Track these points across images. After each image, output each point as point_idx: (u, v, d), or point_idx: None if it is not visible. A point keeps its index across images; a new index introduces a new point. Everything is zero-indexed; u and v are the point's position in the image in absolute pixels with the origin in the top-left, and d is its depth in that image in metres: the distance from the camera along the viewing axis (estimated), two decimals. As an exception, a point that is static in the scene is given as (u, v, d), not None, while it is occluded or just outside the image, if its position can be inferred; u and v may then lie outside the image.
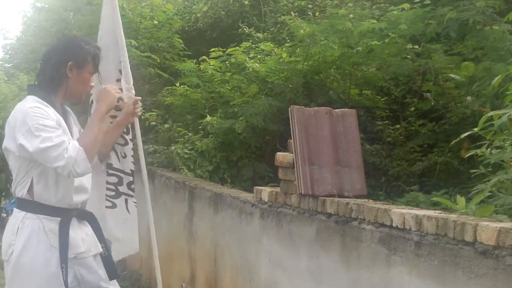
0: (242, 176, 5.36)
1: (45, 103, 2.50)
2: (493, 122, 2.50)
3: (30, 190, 2.49)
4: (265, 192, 3.32)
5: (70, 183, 2.53)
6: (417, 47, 4.96)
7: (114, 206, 3.06)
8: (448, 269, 1.97)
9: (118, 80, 3.07)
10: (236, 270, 3.66)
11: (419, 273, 2.11)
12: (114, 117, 2.98)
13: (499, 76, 2.69)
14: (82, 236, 2.60)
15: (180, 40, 6.83)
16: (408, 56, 5.00)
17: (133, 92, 3.03)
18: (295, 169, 2.86)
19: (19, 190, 2.52)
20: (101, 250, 2.68)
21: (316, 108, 2.99)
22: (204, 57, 6.08)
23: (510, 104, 2.51)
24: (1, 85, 14.09)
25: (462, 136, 2.82)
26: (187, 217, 4.54)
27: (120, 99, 2.79)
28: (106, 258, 2.69)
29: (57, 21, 6.89)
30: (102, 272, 2.66)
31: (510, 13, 3.49)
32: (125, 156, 3.08)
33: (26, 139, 2.39)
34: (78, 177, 2.49)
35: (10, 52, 13.50)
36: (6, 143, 2.50)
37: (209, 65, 5.90)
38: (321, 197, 2.76)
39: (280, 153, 3.16)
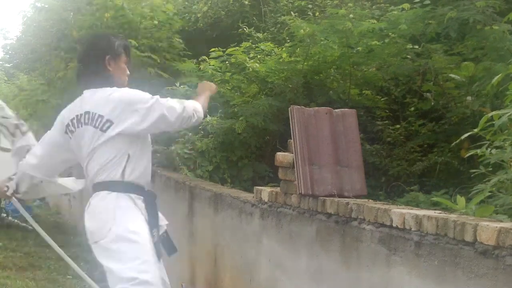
0: (242, 176, 5.35)
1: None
2: (493, 122, 2.50)
3: (123, 171, 2.62)
4: (265, 192, 3.31)
5: (148, 163, 2.75)
6: (417, 47, 4.96)
7: None
8: (448, 269, 1.97)
9: None
10: (236, 270, 3.66)
11: (419, 273, 2.11)
12: None
13: (498, 76, 2.69)
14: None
15: (180, 40, 6.84)
16: (408, 56, 5.00)
17: None
18: (295, 169, 2.85)
19: (110, 172, 2.62)
20: (165, 228, 2.84)
21: (316, 108, 2.99)
22: (204, 57, 6.08)
23: (510, 104, 2.51)
24: (1, 85, 14.10)
25: (463, 137, 2.82)
26: (187, 217, 4.54)
27: None
28: (166, 236, 2.84)
29: (57, 21, 6.89)
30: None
31: (510, 13, 3.49)
32: None
33: (155, 104, 2.58)
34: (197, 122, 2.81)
35: (10, 52, 13.52)
36: (110, 130, 2.59)
37: (209, 65, 5.90)
38: (321, 197, 2.75)
39: (280, 153, 3.16)
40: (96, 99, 2.66)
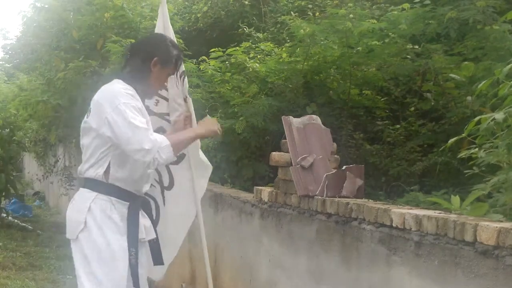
0: (242, 176, 5.35)
1: (132, 88, 2.58)
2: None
3: (107, 171, 2.54)
4: (265, 192, 3.31)
5: (146, 169, 2.62)
6: (417, 47, 4.96)
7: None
8: (448, 269, 1.97)
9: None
10: (236, 270, 3.66)
11: (419, 273, 2.11)
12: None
13: (485, 81, 2.70)
14: (144, 222, 2.69)
15: (180, 40, 6.82)
16: (408, 56, 5.00)
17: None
18: (293, 170, 2.86)
19: (93, 170, 2.56)
20: (155, 236, 2.76)
21: (300, 119, 3.07)
22: (204, 57, 6.07)
23: (510, 104, 2.51)
24: (1, 85, 14.09)
25: (450, 141, 2.83)
26: (187, 217, 4.53)
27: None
28: (155, 244, 2.78)
29: (57, 21, 6.88)
30: (145, 258, 2.74)
31: (509, 12, 3.48)
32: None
33: (115, 115, 2.44)
34: (160, 165, 2.61)
35: (10, 52, 13.50)
36: (89, 119, 2.55)
37: (209, 65, 5.90)
38: (321, 197, 2.76)
39: (275, 152, 3.16)
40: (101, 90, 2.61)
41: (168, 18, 3.27)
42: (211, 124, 2.83)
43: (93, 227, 2.52)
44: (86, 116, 2.59)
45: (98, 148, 2.54)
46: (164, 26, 3.23)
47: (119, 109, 2.44)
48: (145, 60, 2.63)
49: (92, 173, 2.56)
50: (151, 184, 2.91)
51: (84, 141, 2.60)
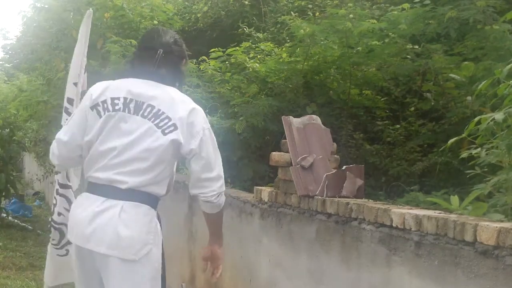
0: (242, 176, 5.35)
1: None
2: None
3: (168, 191, 2.45)
4: (265, 192, 3.31)
5: None
6: (417, 47, 4.96)
7: None
8: (448, 269, 1.97)
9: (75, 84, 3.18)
10: (236, 270, 3.66)
11: (419, 273, 2.11)
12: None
13: (485, 81, 2.70)
14: None
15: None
16: (408, 56, 5.00)
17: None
18: (293, 170, 2.86)
19: (157, 188, 2.35)
20: None
21: (300, 119, 3.07)
22: (204, 57, 6.08)
23: (510, 104, 2.51)
24: (1, 85, 14.10)
25: (450, 141, 2.83)
26: (187, 217, 4.54)
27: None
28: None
29: (57, 21, 6.88)
30: None
31: (509, 13, 3.49)
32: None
33: (209, 134, 2.38)
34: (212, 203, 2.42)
35: (10, 52, 13.51)
36: (177, 136, 2.30)
37: (209, 65, 5.90)
38: (321, 197, 2.76)
39: (275, 152, 3.16)
40: (164, 97, 2.35)
41: (88, 32, 3.20)
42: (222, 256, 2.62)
43: (157, 252, 2.38)
44: (156, 132, 2.30)
45: (169, 166, 2.37)
46: (85, 41, 3.17)
47: (210, 131, 2.39)
48: (178, 63, 2.49)
49: (156, 190, 2.35)
50: None
51: (158, 157, 2.30)
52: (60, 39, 6.87)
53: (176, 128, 2.30)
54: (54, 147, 2.48)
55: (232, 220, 3.72)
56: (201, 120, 2.37)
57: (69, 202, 3.14)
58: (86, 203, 2.36)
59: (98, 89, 2.42)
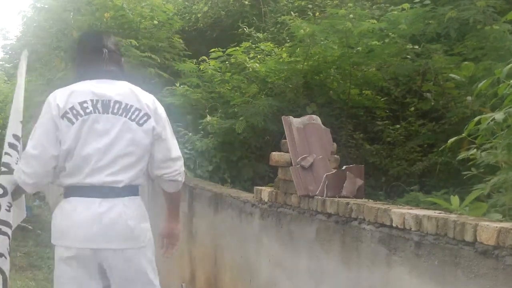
0: (242, 176, 5.36)
1: None
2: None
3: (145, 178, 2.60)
4: (265, 192, 3.31)
5: None
6: (417, 47, 4.97)
7: None
8: (448, 269, 1.97)
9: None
10: (236, 270, 3.66)
11: (419, 273, 2.11)
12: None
13: (485, 81, 2.70)
14: None
15: (180, 40, 6.83)
16: (408, 56, 5.01)
17: None
18: (293, 170, 2.86)
19: (141, 176, 2.51)
20: None
21: (300, 119, 3.06)
22: (204, 57, 6.08)
23: (510, 104, 2.51)
24: (1, 85, 14.10)
25: (450, 141, 2.83)
26: (187, 217, 4.54)
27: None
28: None
29: (57, 21, 6.89)
30: None
31: (509, 13, 3.49)
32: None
33: (168, 124, 2.54)
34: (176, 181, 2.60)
35: (10, 52, 13.51)
36: (150, 121, 2.47)
37: (209, 65, 5.90)
38: (321, 197, 2.76)
39: (275, 152, 3.16)
40: (125, 92, 2.48)
41: (24, 75, 2.99)
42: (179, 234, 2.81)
43: (150, 232, 2.57)
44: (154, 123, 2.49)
45: (147, 155, 2.49)
46: (22, 83, 2.98)
47: (167, 116, 2.57)
48: (121, 57, 2.70)
49: (141, 181, 2.52)
50: None
51: (143, 147, 2.46)
52: (60, 39, 6.87)
53: (149, 117, 2.46)
54: (22, 167, 2.42)
55: (232, 220, 3.72)
56: (161, 107, 2.57)
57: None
58: (82, 206, 2.40)
59: (62, 97, 2.48)
